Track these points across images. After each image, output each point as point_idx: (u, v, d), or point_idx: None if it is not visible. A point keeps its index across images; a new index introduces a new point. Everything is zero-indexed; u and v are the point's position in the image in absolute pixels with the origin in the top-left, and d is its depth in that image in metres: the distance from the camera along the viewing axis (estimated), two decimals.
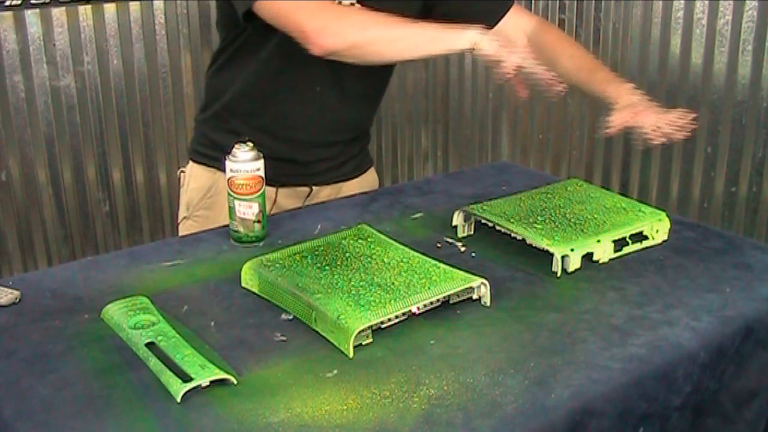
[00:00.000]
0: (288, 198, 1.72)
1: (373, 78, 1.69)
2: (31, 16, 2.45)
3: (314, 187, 1.75)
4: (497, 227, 1.45)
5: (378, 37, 1.44)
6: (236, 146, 1.45)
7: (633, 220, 1.46)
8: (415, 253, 1.33)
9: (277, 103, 1.64)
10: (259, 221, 1.48)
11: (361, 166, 1.83)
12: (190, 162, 1.76)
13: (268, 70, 1.60)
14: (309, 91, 1.62)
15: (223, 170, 1.62)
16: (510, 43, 1.41)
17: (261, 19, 1.45)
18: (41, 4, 2.44)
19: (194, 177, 1.74)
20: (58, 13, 2.50)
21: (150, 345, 1.12)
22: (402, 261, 1.30)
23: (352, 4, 1.54)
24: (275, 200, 1.71)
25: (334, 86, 1.62)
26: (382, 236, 1.41)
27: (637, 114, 1.44)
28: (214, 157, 1.67)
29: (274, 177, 1.60)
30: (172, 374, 1.05)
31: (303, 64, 1.54)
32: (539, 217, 1.46)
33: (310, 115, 1.65)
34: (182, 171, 1.79)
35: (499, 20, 1.64)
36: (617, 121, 1.44)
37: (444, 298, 1.22)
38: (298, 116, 1.65)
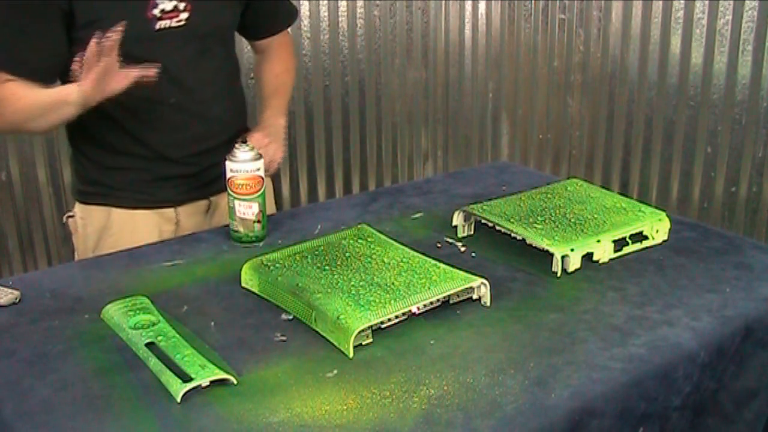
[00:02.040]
0: (190, 216, 1.67)
1: (218, 76, 1.65)
2: None
3: (212, 198, 1.69)
4: (497, 227, 1.45)
5: (16, 121, 1.51)
6: (236, 146, 1.45)
7: (633, 220, 1.46)
8: (415, 253, 1.33)
9: (141, 125, 1.57)
10: (259, 221, 1.48)
11: None
12: (78, 204, 1.66)
13: (115, 100, 1.51)
14: (163, 105, 1.57)
15: (115, 205, 1.57)
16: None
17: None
18: None
19: (89, 219, 1.64)
20: None
21: (150, 345, 1.12)
22: (402, 261, 1.30)
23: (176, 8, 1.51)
24: (177, 221, 1.66)
25: (183, 94, 1.58)
26: (382, 236, 1.41)
27: (268, 143, 1.58)
28: (101, 194, 1.59)
29: (171, 197, 1.61)
30: (172, 374, 1.05)
31: (141, 84, 1.50)
32: (539, 217, 1.46)
33: (180, 128, 1.60)
34: (70, 216, 1.68)
35: (278, 31, 1.81)
36: (254, 139, 1.55)
37: (444, 298, 1.22)
38: (166, 132, 1.59)
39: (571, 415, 1.02)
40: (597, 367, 1.09)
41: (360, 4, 2.98)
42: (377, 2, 3.01)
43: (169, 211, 1.65)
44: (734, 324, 1.22)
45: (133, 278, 1.36)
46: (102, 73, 1.35)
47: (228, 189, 1.46)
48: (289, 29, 1.85)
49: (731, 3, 2.42)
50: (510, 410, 1.00)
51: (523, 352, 1.13)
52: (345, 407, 1.01)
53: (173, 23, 1.51)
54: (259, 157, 1.46)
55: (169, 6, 1.50)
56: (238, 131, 1.70)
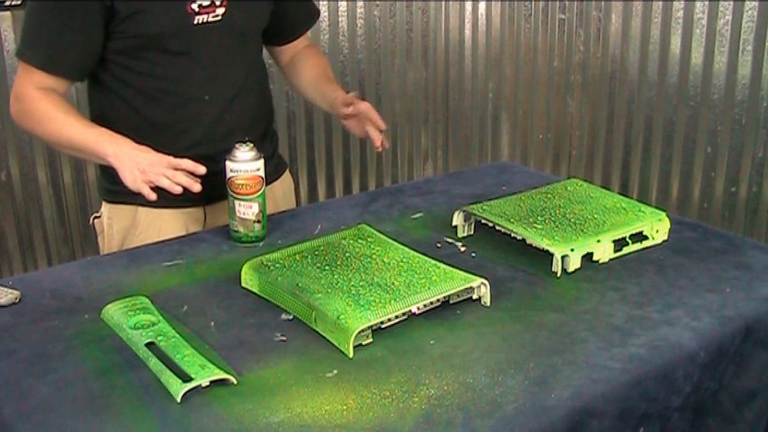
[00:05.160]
0: (217, 215, 1.65)
1: (252, 71, 1.66)
2: None
3: None
4: (497, 227, 1.45)
5: (42, 138, 1.57)
6: (236, 146, 1.45)
7: (633, 220, 1.46)
8: (415, 253, 1.33)
9: (174, 124, 1.57)
10: (259, 221, 1.48)
11: (279, 168, 1.78)
12: (105, 203, 1.65)
13: (147, 94, 1.55)
14: (198, 102, 1.57)
15: (142, 204, 1.53)
16: (146, 161, 1.42)
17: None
18: None
19: (116, 219, 1.63)
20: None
21: (150, 345, 1.12)
22: (402, 261, 1.30)
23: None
24: (205, 221, 1.66)
25: (219, 90, 1.58)
26: (382, 236, 1.41)
27: (361, 103, 1.63)
28: (128, 192, 1.46)
29: (199, 195, 1.55)
30: (172, 374, 1.05)
31: (176, 81, 1.53)
32: (539, 217, 1.46)
33: (212, 125, 1.59)
34: (96, 217, 1.68)
35: (306, 30, 1.82)
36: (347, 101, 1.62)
37: (444, 298, 1.22)
38: (200, 129, 1.59)
39: (571, 415, 1.02)
40: (597, 367, 1.09)
41: (360, 4, 2.98)
42: (377, 2, 3.01)
43: (197, 211, 1.65)
44: (734, 324, 1.22)
45: (133, 278, 1.36)
46: (150, 175, 1.40)
47: (228, 189, 1.46)
48: (309, 34, 1.84)
49: (731, 3, 2.42)
50: (510, 410, 1.00)
51: (523, 352, 1.13)
52: (345, 407, 1.01)
53: (210, 18, 1.52)
54: (260, 157, 1.46)
55: (206, 1, 1.51)
56: (266, 129, 1.73)
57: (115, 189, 1.59)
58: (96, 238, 1.71)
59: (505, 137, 3.32)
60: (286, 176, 1.82)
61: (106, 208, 1.66)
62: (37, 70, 1.48)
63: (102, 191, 1.67)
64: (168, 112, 1.57)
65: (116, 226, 1.64)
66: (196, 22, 1.51)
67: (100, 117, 1.59)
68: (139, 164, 1.40)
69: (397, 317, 1.18)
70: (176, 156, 1.51)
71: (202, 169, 1.42)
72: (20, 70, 1.51)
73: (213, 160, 1.47)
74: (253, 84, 1.67)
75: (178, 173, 1.40)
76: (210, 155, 1.50)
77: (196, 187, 1.40)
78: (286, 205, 1.77)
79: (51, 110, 1.48)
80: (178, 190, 1.39)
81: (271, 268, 1.30)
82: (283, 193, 1.78)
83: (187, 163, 1.41)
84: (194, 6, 1.50)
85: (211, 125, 1.59)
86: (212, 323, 1.22)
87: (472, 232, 1.52)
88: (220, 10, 1.53)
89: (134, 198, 1.48)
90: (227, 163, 1.45)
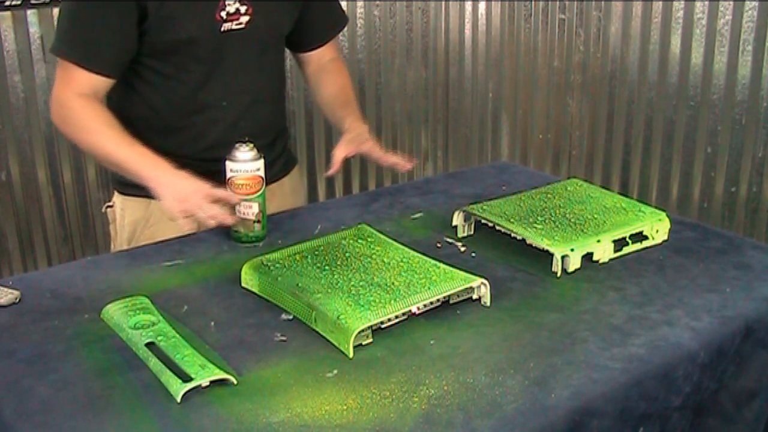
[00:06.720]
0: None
1: (271, 78, 1.68)
2: (31, 16, 2.44)
3: None
4: (497, 227, 1.45)
5: (79, 145, 1.56)
6: (236, 146, 1.45)
7: (633, 220, 1.46)
8: (415, 253, 1.33)
9: (190, 128, 1.59)
10: (259, 221, 1.48)
11: (288, 164, 1.79)
12: (117, 194, 1.68)
13: (168, 97, 1.57)
14: (215, 108, 1.59)
15: (154, 197, 1.52)
16: (183, 193, 1.42)
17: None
18: (41, 4, 2.44)
19: (128, 210, 1.66)
20: (58, 12, 2.50)
21: (150, 345, 1.12)
22: (402, 261, 1.30)
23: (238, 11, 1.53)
24: None
25: (236, 96, 1.60)
26: (382, 236, 1.41)
27: (362, 143, 1.61)
28: (140, 186, 1.50)
29: None
30: (172, 374, 1.05)
31: (199, 87, 1.54)
32: (539, 217, 1.46)
33: (227, 130, 1.60)
34: (109, 206, 1.71)
35: (331, 37, 1.79)
36: (340, 153, 1.57)
37: (444, 298, 1.22)
38: (214, 134, 1.60)
39: (571, 415, 1.02)
40: (597, 367, 1.09)
41: (360, 4, 2.98)
42: (377, 2, 3.01)
43: None
44: (734, 324, 1.22)
45: (133, 278, 1.36)
46: (188, 205, 1.41)
47: (228, 189, 1.46)
48: (339, 40, 1.83)
49: (731, 3, 2.42)
50: (510, 410, 1.00)
51: (523, 352, 1.13)
52: (345, 407, 1.01)
53: (234, 26, 1.54)
54: (260, 157, 1.46)
55: (232, 9, 1.52)
56: (279, 132, 1.75)
57: (128, 182, 1.60)
58: (104, 233, 1.72)
59: (505, 137, 3.32)
60: (295, 172, 1.82)
61: (118, 199, 1.68)
62: (75, 69, 1.49)
63: (115, 183, 1.69)
64: (185, 116, 1.59)
65: (128, 217, 1.66)
66: (222, 29, 1.52)
67: (115, 112, 1.59)
68: (178, 192, 1.42)
69: (397, 317, 1.18)
70: (189, 159, 1.53)
71: (235, 198, 1.45)
72: (59, 72, 1.52)
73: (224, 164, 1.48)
74: (270, 92, 1.68)
75: (213, 206, 1.41)
76: (222, 158, 1.51)
77: (229, 220, 1.43)
78: (295, 201, 1.78)
79: (93, 122, 1.49)
80: (212, 223, 1.42)
81: (271, 268, 1.30)
82: (291, 188, 1.79)
83: (223, 193, 1.44)
84: (222, 14, 1.51)
85: (225, 130, 1.60)
86: (212, 323, 1.22)
87: (472, 232, 1.52)
88: (245, 18, 1.54)
89: (147, 191, 1.50)
90: (227, 163, 1.45)
